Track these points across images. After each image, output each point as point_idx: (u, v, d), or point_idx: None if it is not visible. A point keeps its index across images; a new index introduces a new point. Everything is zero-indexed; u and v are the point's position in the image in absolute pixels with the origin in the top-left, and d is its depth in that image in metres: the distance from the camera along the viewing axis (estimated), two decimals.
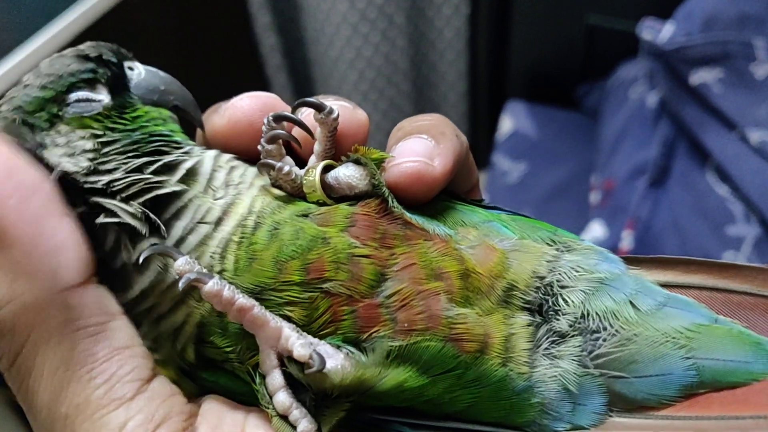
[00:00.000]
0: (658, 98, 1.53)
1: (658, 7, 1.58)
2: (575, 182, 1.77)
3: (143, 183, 0.41)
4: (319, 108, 0.44)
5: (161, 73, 0.48)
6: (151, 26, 1.76)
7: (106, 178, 0.41)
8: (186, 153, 0.44)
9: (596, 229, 1.51)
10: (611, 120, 1.70)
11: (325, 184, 0.44)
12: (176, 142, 0.45)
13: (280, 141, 0.45)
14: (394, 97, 2.21)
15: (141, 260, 0.39)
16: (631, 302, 0.43)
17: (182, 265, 0.39)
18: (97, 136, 0.43)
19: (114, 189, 0.41)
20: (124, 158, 0.42)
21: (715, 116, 1.37)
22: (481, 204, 0.48)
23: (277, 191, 0.44)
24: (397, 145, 0.44)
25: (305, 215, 0.43)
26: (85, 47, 0.45)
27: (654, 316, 0.43)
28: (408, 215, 0.43)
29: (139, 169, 0.42)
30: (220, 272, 0.41)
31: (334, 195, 0.44)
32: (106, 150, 0.42)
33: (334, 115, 0.44)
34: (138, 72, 0.48)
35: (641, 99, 1.60)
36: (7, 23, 1.54)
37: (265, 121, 0.44)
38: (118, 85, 0.46)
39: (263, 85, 2.27)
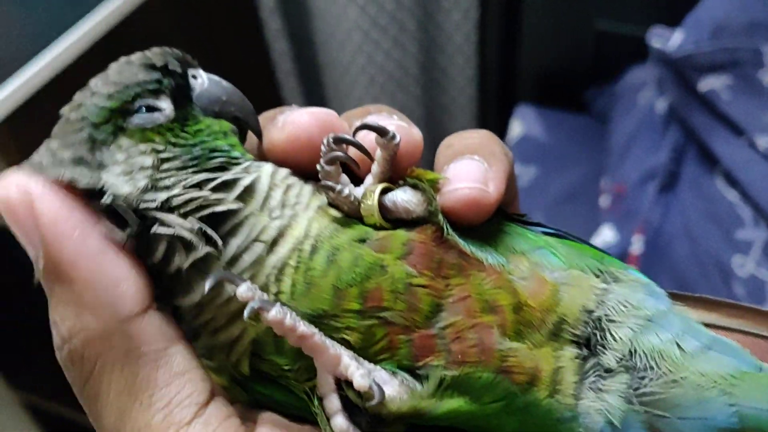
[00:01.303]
0: (667, 104, 1.55)
1: (667, 13, 1.60)
2: (586, 186, 1.79)
3: (201, 200, 0.41)
4: (381, 132, 0.44)
5: (224, 83, 0.48)
6: (165, 33, 1.78)
7: (164, 195, 0.41)
8: (244, 169, 0.44)
9: (607, 233, 1.53)
10: (620, 124, 1.71)
11: (381, 206, 0.44)
12: (235, 158, 0.45)
13: (339, 162, 0.45)
14: (404, 101, 2.22)
15: (207, 290, 0.39)
16: (677, 343, 0.43)
17: (245, 292, 0.39)
18: (157, 152, 0.43)
19: (171, 205, 0.41)
20: (184, 174, 0.42)
21: (723, 123, 1.39)
22: (524, 220, 0.48)
23: (333, 212, 0.44)
24: (450, 165, 0.44)
25: (363, 240, 0.43)
26: (153, 55, 0.45)
27: (699, 359, 0.43)
28: (462, 244, 0.43)
29: (198, 185, 0.42)
30: (276, 294, 0.41)
31: (390, 217, 0.44)
32: (165, 166, 0.42)
33: (397, 140, 0.44)
34: (201, 81, 0.47)
35: (650, 104, 1.62)
36: (21, 34, 1.57)
37: (325, 141, 0.44)
38: (182, 95, 0.45)
39: (274, 90, 2.29)
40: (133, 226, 0.41)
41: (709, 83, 1.38)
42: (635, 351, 0.43)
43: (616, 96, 1.80)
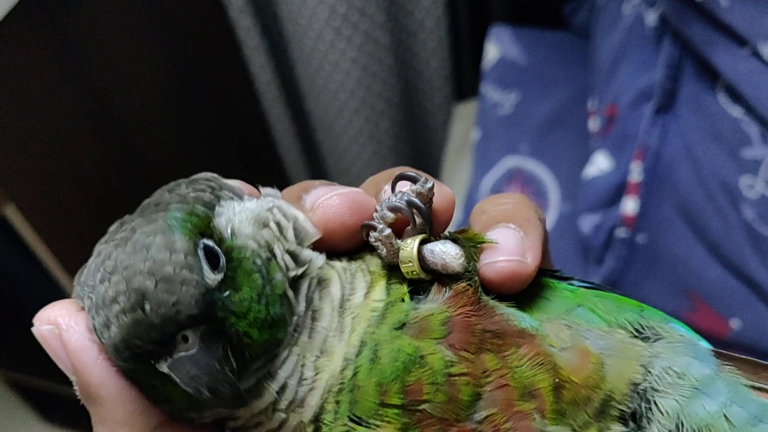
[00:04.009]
0: (658, 16, 1.42)
1: None
2: (572, 109, 1.67)
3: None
4: (414, 180, 0.45)
5: (202, 372, 0.39)
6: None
7: None
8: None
9: (601, 161, 1.43)
10: (605, 39, 1.59)
11: (420, 256, 0.44)
12: None
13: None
14: (368, 29, 2.08)
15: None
16: (725, 415, 0.42)
17: None
18: None
19: None
20: None
21: (723, 32, 1.27)
22: (558, 275, 0.48)
23: (374, 302, 0.44)
24: (486, 235, 0.45)
25: (402, 324, 0.43)
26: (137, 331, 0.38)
27: None
28: (499, 308, 0.43)
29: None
30: (321, 409, 0.42)
31: (427, 268, 0.44)
32: None
33: (430, 184, 0.45)
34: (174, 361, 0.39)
35: (637, 15, 1.50)
36: None
37: (378, 208, 0.45)
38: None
39: (225, 25, 2.13)
40: None
41: None
42: (682, 425, 0.42)
43: (598, 8, 1.67)
